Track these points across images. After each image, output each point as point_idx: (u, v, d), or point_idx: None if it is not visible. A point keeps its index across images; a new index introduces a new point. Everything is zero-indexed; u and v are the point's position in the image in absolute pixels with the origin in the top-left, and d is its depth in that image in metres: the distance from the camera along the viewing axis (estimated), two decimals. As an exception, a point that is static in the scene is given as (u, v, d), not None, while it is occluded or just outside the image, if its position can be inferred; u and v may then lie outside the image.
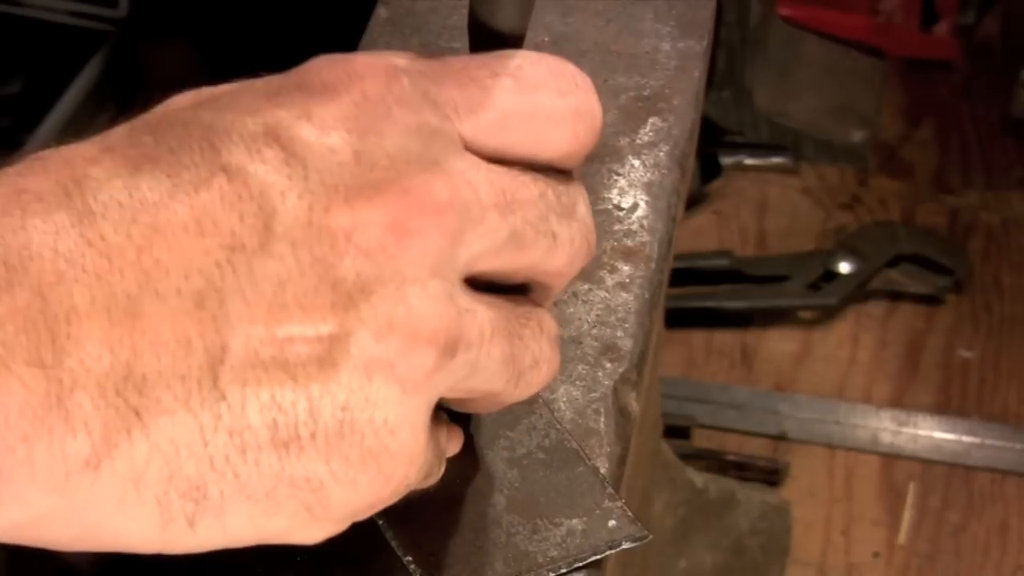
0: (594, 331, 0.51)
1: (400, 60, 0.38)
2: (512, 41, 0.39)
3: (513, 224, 0.37)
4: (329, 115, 0.36)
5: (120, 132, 0.36)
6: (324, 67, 0.37)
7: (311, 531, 0.36)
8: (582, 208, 0.39)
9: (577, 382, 0.49)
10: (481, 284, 0.38)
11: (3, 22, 1.25)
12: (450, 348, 0.35)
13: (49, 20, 1.26)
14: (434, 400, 0.36)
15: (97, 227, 0.33)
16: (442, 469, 0.41)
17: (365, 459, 0.35)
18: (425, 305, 0.35)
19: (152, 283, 0.33)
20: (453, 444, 0.43)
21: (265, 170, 0.34)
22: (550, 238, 0.38)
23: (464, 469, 0.44)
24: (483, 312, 0.37)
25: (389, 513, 0.39)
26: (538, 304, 0.40)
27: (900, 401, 1.12)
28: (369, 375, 0.34)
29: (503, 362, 0.38)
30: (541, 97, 0.38)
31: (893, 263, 1.19)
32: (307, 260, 0.34)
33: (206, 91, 0.37)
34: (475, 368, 0.37)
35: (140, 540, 0.35)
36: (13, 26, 1.25)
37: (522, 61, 0.38)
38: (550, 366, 0.40)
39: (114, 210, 0.34)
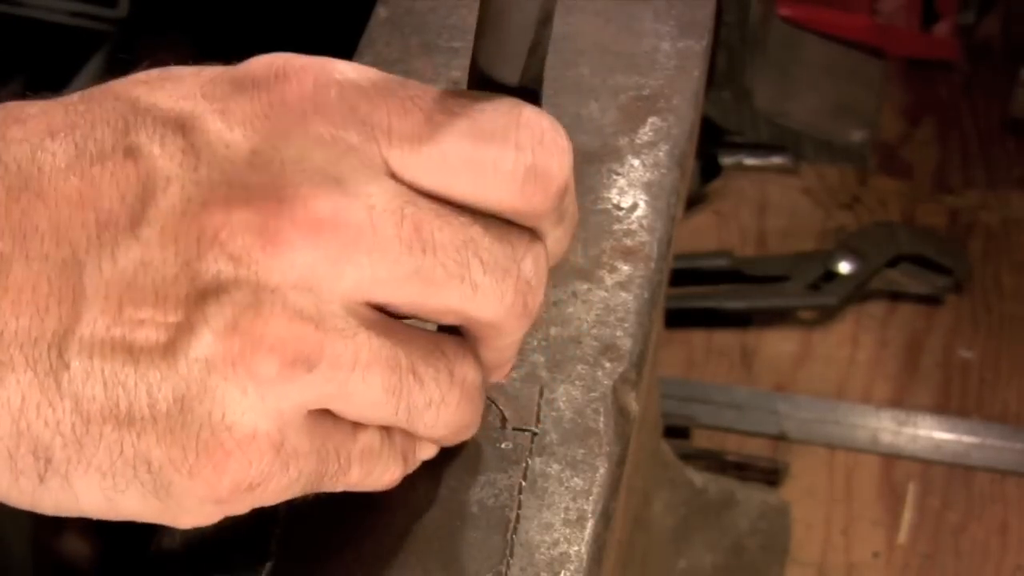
0: (593, 331, 0.51)
1: (346, 72, 0.37)
2: (514, 94, 0.37)
3: (419, 262, 0.36)
4: (241, 112, 0.36)
5: (69, 97, 0.37)
6: (260, 64, 0.37)
7: (168, 517, 0.37)
8: (527, 267, 0.38)
9: (576, 382, 0.49)
10: (404, 317, 0.37)
11: (3, 22, 1.25)
12: (300, 361, 0.35)
13: (49, 20, 1.26)
14: (290, 408, 0.36)
15: None
16: (394, 473, 0.41)
17: (199, 451, 0.35)
18: (276, 315, 0.35)
19: (25, 247, 0.35)
20: (425, 450, 0.43)
21: (160, 155, 0.35)
22: (468, 286, 0.37)
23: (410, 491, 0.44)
24: (364, 337, 0.36)
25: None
26: (466, 352, 0.39)
27: (900, 401, 1.12)
28: (209, 371, 0.35)
29: (385, 392, 0.37)
30: (492, 147, 0.36)
31: (893, 263, 1.19)
32: (171, 250, 0.35)
33: (161, 71, 0.38)
34: (344, 389, 0.36)
35: None
36: (13, 26, 1.25)
37: (489, 106, 0.37)
38: (457, 412, 0.39)
39: (13, 172, 0.35)
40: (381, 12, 0.62)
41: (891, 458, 1.08)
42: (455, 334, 0.40)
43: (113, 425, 0.35)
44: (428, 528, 0.44)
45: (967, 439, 1.09)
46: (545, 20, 0.36)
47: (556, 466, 0.46)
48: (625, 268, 0.53)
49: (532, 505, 0.45)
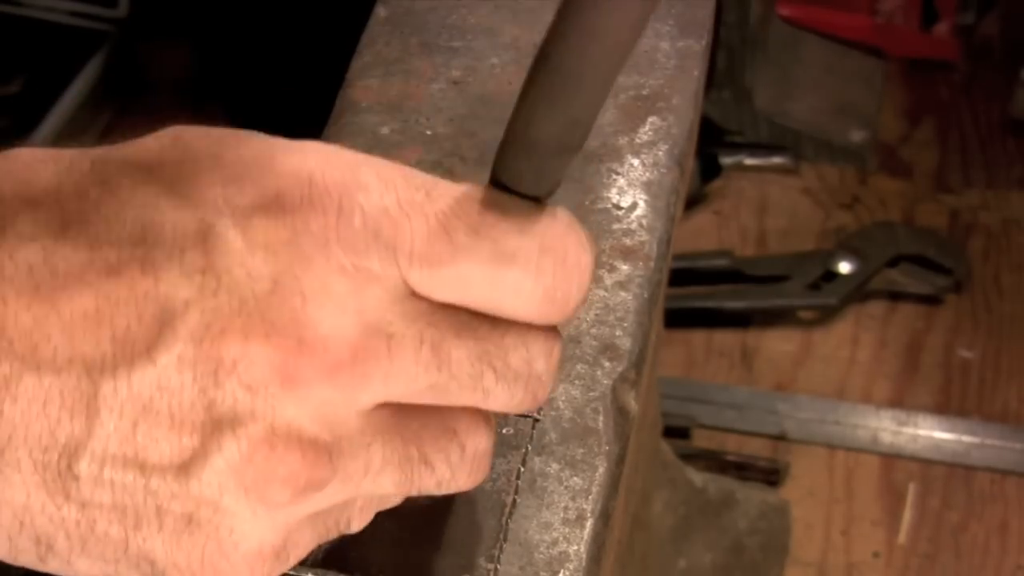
0: (593, 330, 0.51)
1: (372, 189, 0.36)
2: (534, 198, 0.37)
3: (435, 379, 0.36)
4: (264, 235, 0.35)
5: (80, 170, 0.36)
6: (287, 174, 0.36)
7: None
8: (540, 366, 0.38)
9: (576, 381, 0.49)
10: None
11: (3, 22, 1.25)
12: (312, 488, 0.36)
13: (49, 20, 1.26)
14: (295, 520, 0.37)
15: (1, 291, 0.34)
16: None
17: (204, 561, 0.36)
18: (292, 449, 0.35)
19: (37, 358, 0.34)
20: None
21: (179, 274, 0.35)
22: (480, 394, 0.37)
23: None
24: (379, 447, 0.37)
25: None
26: (478, 420, 0.39)
27: (900, 401, 1.12)
28: (221, 492, 0.35)
29: (395, 486, 0.38)
30: (512, 272, 0.36)
31: (893, 263, 1.19)
32: (189, 376, 0.35)
33: (183, 142, 0.37)
34: (355, 492, 0.37)
35: None
36: (13, 26, 1.25)
37: (512, 225, 0.36)
38: (468, 479, 0.39)
39: (23, 274, 0.34)
40: (381, 12, 0.62)
41: (891, 458, 1.08)
42: None
43: (119, 527, 0.35)
44: (424, 509, 0.44)
45: (967, 439, 1.09)
46: (574, 150, 0.36)
47: (555, 465, 0.46)
48: (624, 267, 0.53)
49: (531, 504, 0.45)
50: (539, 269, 0.36)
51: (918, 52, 1.39)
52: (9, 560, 0.36)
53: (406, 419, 0.37)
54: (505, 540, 0.44)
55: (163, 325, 0.34)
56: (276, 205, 0.36)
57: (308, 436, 0.35)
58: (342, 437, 0.36)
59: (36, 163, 0.36)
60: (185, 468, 0.35)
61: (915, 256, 1.19)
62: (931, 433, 1.09)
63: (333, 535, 0.39)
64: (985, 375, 1.14)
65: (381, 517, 0.43)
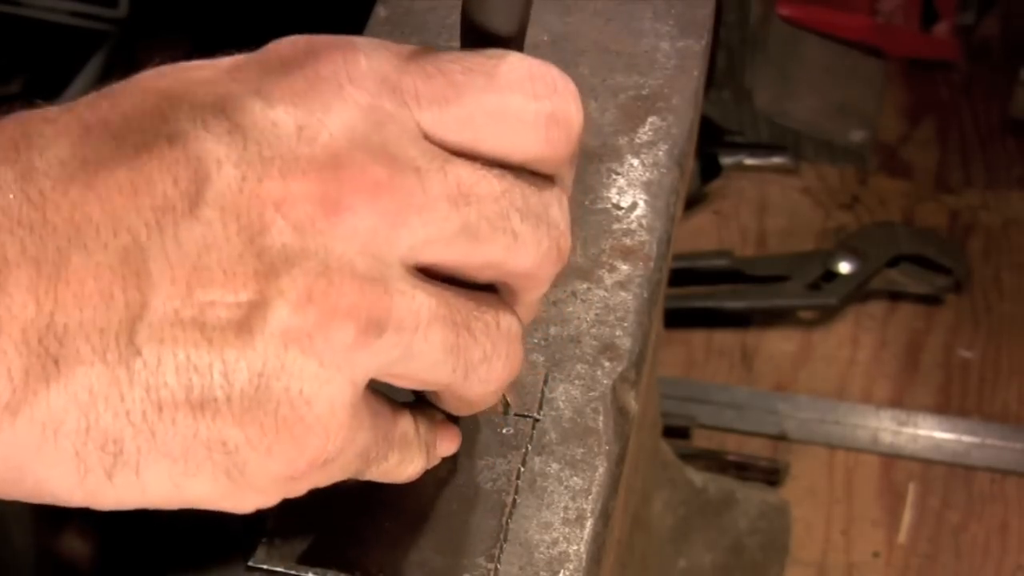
0: (593, 330, 0.51)
1: (366, 44, 0.38)
2: (505, 43, 0.39)
3: (466, 216, 0.37)
4: (278, 90, 0.36)
5: (86, 98, 0.37)
6: (285, 45, 0.38)
7: (236, 499, 0.37)
8: (555, 212, 0.39)
9: (576, 381, 0.49)
10: (443, 279, 0.38)
11: (3, 22, 1.25)
12: (373, 326, 0.35)
13: (49, 20, 1.26)
14: (361, 378, 0.36)
15: (37, 183, 0.34)
16: (417, 465, 0.42)
17: (279, 427, 0.35)
18: (347, 281, 0.35)
19: (82, 238, 0.34)
20: (444, 445, 0.43)
21: (206, 138, 0.35)
22: (510, 236, 0.38)
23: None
24: (423, 297, 0.37)
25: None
26: (505, 304, 0.40)
27: (900, 401, 1.12)
28: (286, 345, 0.35)
29: (444, 351, 0.38)
30: (513, 98, 0.38)
31: (893, 263, 1.19)
32: (234, 227, 0.35)
33: (177, 64, 0.38)
34: (409, 352, 0.37)
35: (60, 489, 0.35)
36: (13, 26, 1.25)
37: (500, 61, 0.38)
38: (507, 363, 0.40)
39: (56, 167, 0.35)
40: (381, 12, 0.63)
41: (891, 458, 1.08)
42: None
43: (187, 410, 0.35)
44: (425, 509, 0.44)
45: (967, 439, 1.09)
46: None
47: (555, 465, 0.46)
48: (624, 267, 0.53)
49: (531, 504, 0.45)
50: (536, 94, 0.38)
51: (918, 52, 1.39)
52: (77, 488, 0.35)
53: (440, 286, 0.38)
54: (505, 540, 0.44)
55: (200, 184, 0.35)
56: (282, 65, 0.37)
57: (361, 270, 0.35)
58: (390, 278, 0.36)
59: (44, 109, 0.37)
60: (247, 324, 0.34)
61: (915, 256, 1.19)
62: (931, 433, 1.10)
63: (381, 452, 0.39)
64: (985, 375, 1.14)
65: (382, 517, 0.43)
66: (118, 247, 0.34)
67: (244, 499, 0.37)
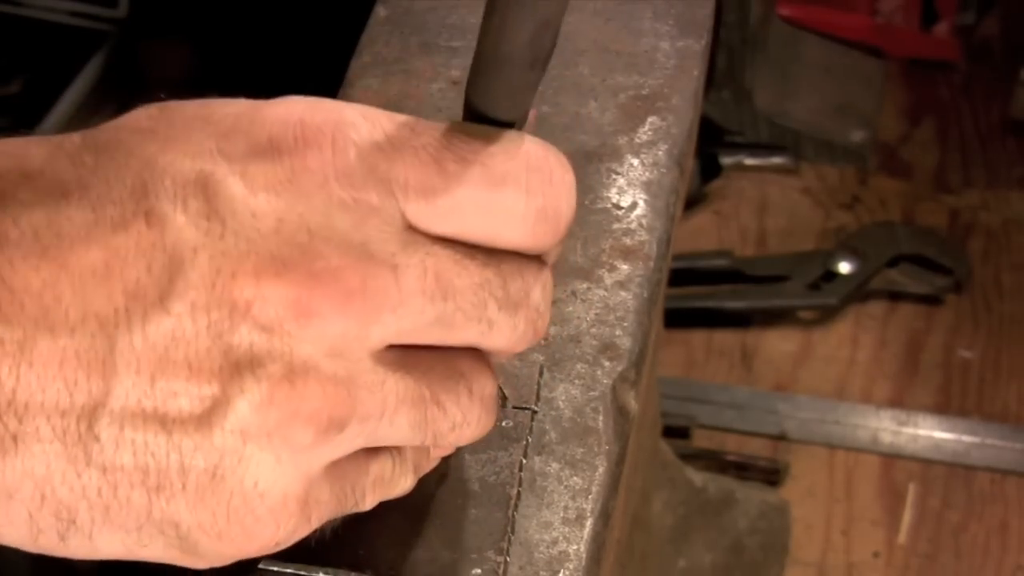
0: (593, 330, 0.51)
1: (361, 129, 0.37)
2: (508, 124, 0.38)
3: (441, 310, 0.37)
4: (263, 177, 0.36)
5: (71, 143, 0.36)
6: (278, 125, 0.37)
7: (188, 563, 0.37)
8: (536, 296, 0.39)
9: (576, 381, 0.49)
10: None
11: (3, 22, 1.25)
12: (334, 425, 0.36)
13: (49, 20, 1.26)
14: (318, 469, 0.37)
15: (8, 255, 0.34)
16: (404, 487, 0.41)
17: (230, 517, 0.36)
18: (311, 384, 0.35)
19: (50, 320, 0.34)
20: (437, 451, 0.43)
21: (184, 222, 0.35)
22: (485, 324, 0.38)
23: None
24: (391, 384, 0.37)
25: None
26: (479, 364, 0.40)
27: (900, 401, 1.12)
28: (244, 440, 0.35)
29: (412, 428, 0.38)
30: (505, 194, 0.37)
31: (893, 263, 1.19)
32: (203, 323, 0.35)
33: (168, 109, 0.37)
34: (374, 436, 0.37)
35: (14, 542, 0.36)
36: (13, 26, 1.25)
37: (497, 151, 0.37)
38: (477, 428, 0.40)
39: (29, 239, 0.34)
40: (381, 12, 0.63)
41: (891, 458, 1.08)
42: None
43: (142, 491, 0.35)
44: (431, 505, 0.44)
45: (967, 439, 1.09)
46: (544, 61, 0.36)
47: (555, 465, 0.47)
48: (624, 267, 0.53)
49: (531, 503, 0.45)
50: (529, 188, 0.37)
51: (918, 52, 1.39)
52: (29, 544, 0.36)
53: (414, 359, 0.38)
54: (513, 532, 0.44)
55: (173, 274, 0.34)
56: (271, 149, 0.36)
57: (326, 372, 0.35)
58: (357, 374, 0.36)
59: (27, 144, 0.37)
60: (207, 418, 0.35)
61: (915, 256, 1.19)
62: (931, 433, 1.09)
63: (350, 504, 0.39)
64: (985, 375, 1.14)
65: (389, 514, 0.43)
66: (85, 333, 0.34)
67: (195, 564, 0.37)
